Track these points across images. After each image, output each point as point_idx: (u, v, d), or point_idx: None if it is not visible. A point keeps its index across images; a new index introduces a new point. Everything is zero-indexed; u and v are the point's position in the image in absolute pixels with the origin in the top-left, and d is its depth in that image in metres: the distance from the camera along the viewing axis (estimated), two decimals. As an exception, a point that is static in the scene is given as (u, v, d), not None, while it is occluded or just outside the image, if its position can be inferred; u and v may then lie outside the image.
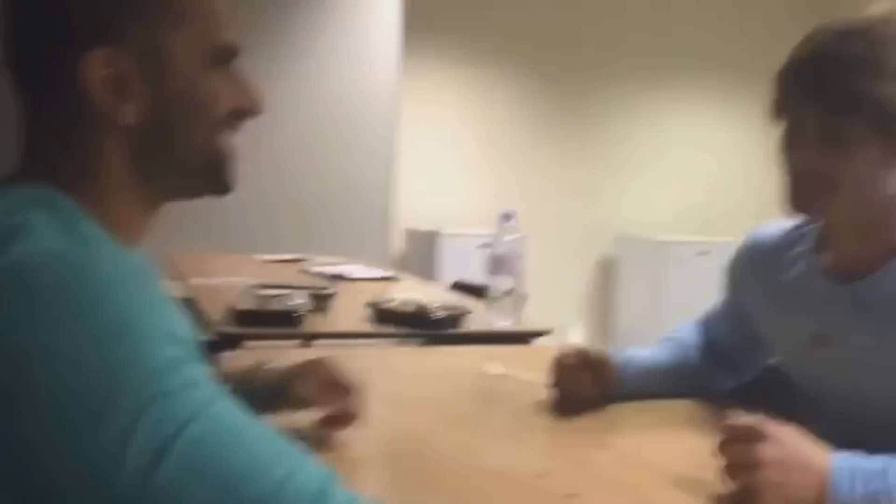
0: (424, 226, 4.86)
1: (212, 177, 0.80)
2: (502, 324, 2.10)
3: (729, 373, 1.45)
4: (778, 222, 1.34)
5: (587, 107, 5.41)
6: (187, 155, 0.78)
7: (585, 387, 1.29)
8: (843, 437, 1.11)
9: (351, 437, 1.15)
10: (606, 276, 5.51)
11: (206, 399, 0.62)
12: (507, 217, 2.17)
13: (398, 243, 4.88)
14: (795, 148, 1.11)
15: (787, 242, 1.29)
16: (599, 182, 5.46)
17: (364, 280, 2.80)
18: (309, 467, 0.64)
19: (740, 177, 5.71)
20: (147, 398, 0.59)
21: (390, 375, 1.62)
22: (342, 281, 2.70)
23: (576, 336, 5.22)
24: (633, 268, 5.24)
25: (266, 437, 0.64)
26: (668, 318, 4.94)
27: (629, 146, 5.50)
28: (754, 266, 1.34)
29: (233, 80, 0.79)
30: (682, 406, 1.43)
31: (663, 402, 1.46)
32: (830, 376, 1.18)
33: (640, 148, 5.52)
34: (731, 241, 5.56)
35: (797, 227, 1.29)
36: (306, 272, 2.92)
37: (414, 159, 4.92)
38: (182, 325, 0.68)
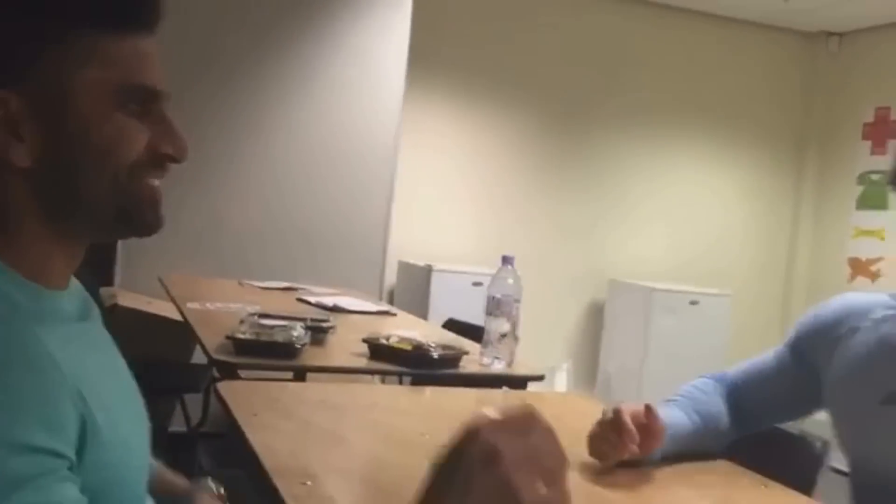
0: (417, 259, 4.89)
1: (127, 220, 0.78)
2: (497, 366, 2.11)
3: (741, 428, 1.45)
4: (868, 294, 1.38)
5: (583, 151, 5.48)
6: (95, 198, 0.75)
7: (624, 452, 1.25)
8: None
9: (347, 475, 1.16)
10: (595, 320, 5.54)
11: None
12: (507, 260, 2.20)
13: (390, 275, 4.90)
14: None
15: (875, 310, 1.31)
16: (592, 226, 5.51)
17: (361, 313, 2.81)
18: None
19: (736, 228, 5.78)
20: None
21: (385, 413, 1.63)
22: (339, 313, 2.72)
23: (562, 377, 5.23)
24: (622, 313, 5.27)
25: None
26: (653, 364, 4.97)
27: (624, 191, 5.56)
28: (836, 328, 1.35)
29: (153, 123, 0.77)
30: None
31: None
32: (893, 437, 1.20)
33: (635, 194, 5.58)
34: (721, 292, 5.58)
35: (890, 299, 1.31)
36: (304, 301, 2.94)
37: (410, 193, 4.96)
38: (54, 425, 0.63)
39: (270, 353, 1.93)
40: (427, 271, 4.70)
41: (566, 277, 5.47)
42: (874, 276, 5.20)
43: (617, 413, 1.26)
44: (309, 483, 1.09)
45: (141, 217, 0.78)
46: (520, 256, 2.31)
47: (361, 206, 4.29)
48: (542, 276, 5.21)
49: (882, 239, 5.13)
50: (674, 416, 1.36)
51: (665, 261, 5.62)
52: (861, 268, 5.28)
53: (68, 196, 0.74)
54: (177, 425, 3.42)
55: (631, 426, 1.24)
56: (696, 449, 1.39)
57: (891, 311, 1.28)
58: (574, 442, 1.46)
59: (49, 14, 0.71)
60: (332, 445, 1.34)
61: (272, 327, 2.02)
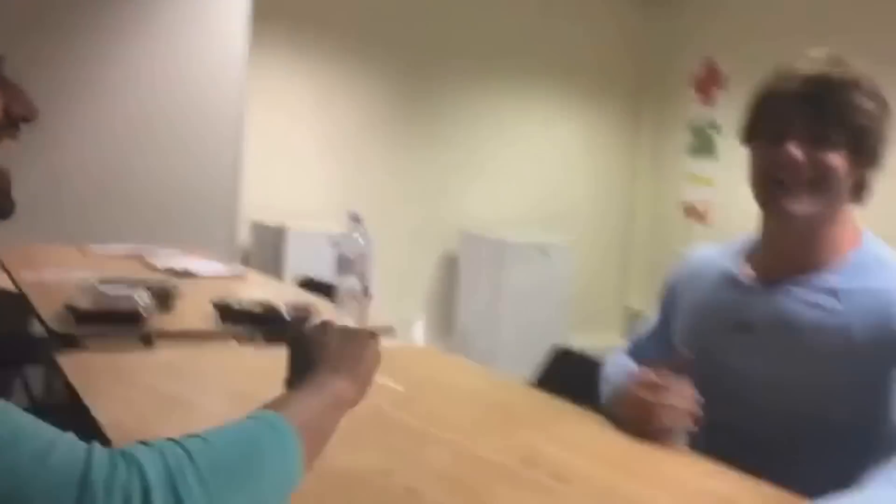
0: (271, 220, 4.82)
1: None
2: (350, 323, 2.15)
3: None
4: (713, 244, 1.51)
5: (432, 105, 5.53)
6: None
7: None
8: (747, 424, 1.28)
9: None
10: (450, 272, 5.67)
11: None
12: (355, 218, 2.22)
13: (243, 236, 4.82)
14: (784, 153, 1.24)
15: (718, 257, 1.45)
16: (442, 179, 5.60)
17: (212, 277, 2.76)
18: (70, 439, 0.66)
19: (579, 179, 6.03)
20: None
21: (237, 375, 1.64)
22: (189, 277, 2.66)
23: (418, 331, 5.34)
24: (475, 265, 5.42)
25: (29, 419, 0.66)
26: (507, 312, 5.16)
27: (472, 145, 5.67)
28: (685, 278, 1.49)
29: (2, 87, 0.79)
30: (512, 400, 1.55)
31: (493, 397, 1.58)
32: (744, 362, 1.33)
33: (482, 147, 5.71)
34: (569, 240, 5.83)
35: (730, 246, 1.45)
36: (152, 267, 2.85)
37: (261, 152, 4.87)
38: None
39: (113, 322, 1.88)
40: (281, 231, 4.65)
41: (419, 231, 5.56)
42: (706, 220, 5.58)
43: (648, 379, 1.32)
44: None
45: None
46: (372, 212, 2.34)
47: (209, 165, 4.17)
48: (395, 232, 5.27)
49: (711, 185, 5.51)
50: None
51: (515, 212, 5.81)
52: (694, 212, 5.65)
53: None
54: (20, 399, 3.26)
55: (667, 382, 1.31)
56: None
57: (735, 255, 1.42)
58: (421, 391, 1.53)
59: None
60: (182, 411, 1.34)
61: (114, 294, 1.97)
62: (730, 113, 5.18)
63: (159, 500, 0.63)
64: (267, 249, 4.76)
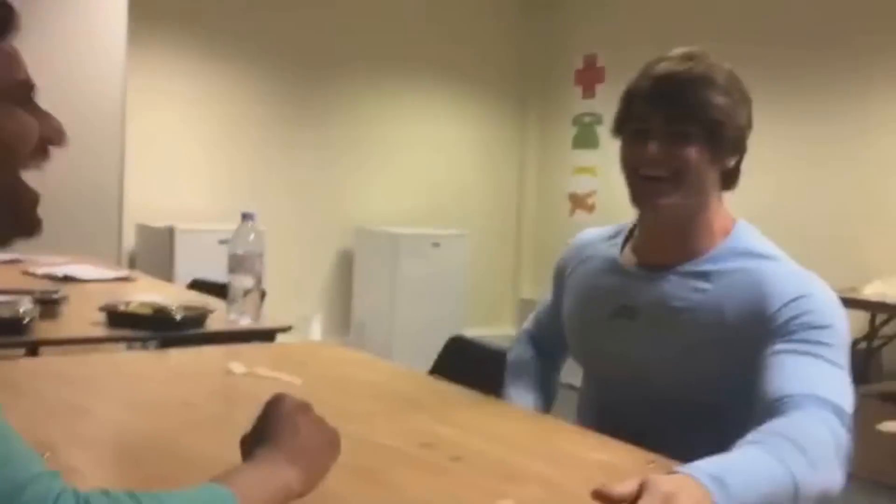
0: (158, 221, 4.70)
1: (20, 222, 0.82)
2: (244, 322, 2.14)
3: (559, 359, 1.69)
4: (599, 228, 1.59)
5: (323, 106, 5.51)
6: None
7: None
8: (626, 403, 1.35)
9: (90, 444, 1.16)
10: (345, 269, 5.66)
11: None
12: (247, 216, 2.21)
13: (129, 240, 4.68)
14: (645, 150, 1.31)
15: (601, 242, 1.53)
16: (336, 176, 5.59)
17: (97, 281, 2.69)
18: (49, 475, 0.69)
19: (470, 172, 6.13)
20: None
21: (130, 381, 1.62)
22: (72, 283, 2.58)
23: (316, 327, 5.32)
24: (370, 260, 5.44)
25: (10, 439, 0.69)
26: (402, 306, 5.21)
27: (364, 144, 5.68)
28: (571, 261, 1.56)
29: (36, 113, 0.84)
30: (409, 389, 1.59)
31: (390, 387, 1.62)
32: (627, 345, 1.39)
33: (375, 145, 5.73)
34: (460, 233, 5.92)
35: (613, 231, 1.53)
36: (32, 274, 2.75)
37: (144, 153, 4.74)
38: None
39: (-5, 332, 1.81)
40: (169, 232, 4.54)
41: (312, 230, 5.53)
42: (590, 209, 5.79)
43: None
44: (47, 455, 1.08)
45: (31, 215, 0.83)
46: (264, 212, 2.33)
47: (90, 168, 4.03)
48: (289, 231, 5.23)
49: (594, 175, 5.72)
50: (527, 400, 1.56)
51: (408, 207, 5.86)
52: (579, 202, 5.85)
53: None
54: None
55: None
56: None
57: (617, 241, 1.49)
58: (319, 385, 1.56)
59: None
60: (73, 417, 1.32)
61: (-6, 304, 1.90)
62: (610, 105, 5.33)
63: None
64: (154, 252, 4.64)
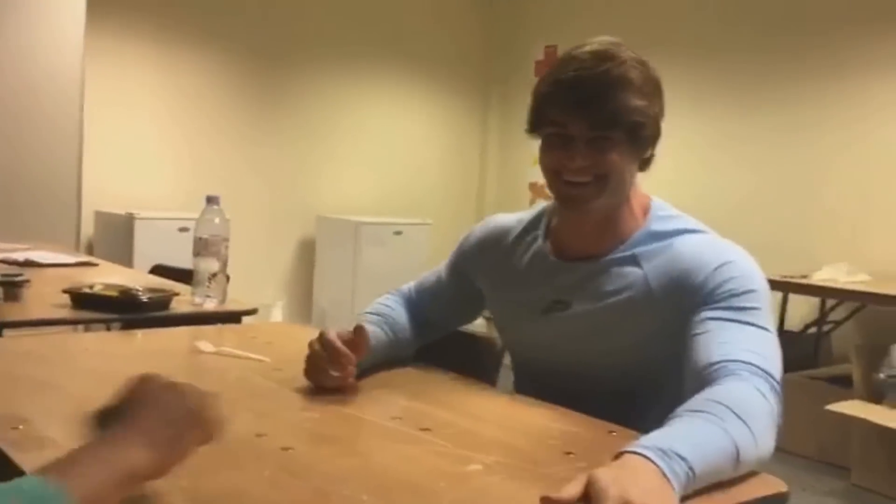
0: (117, 208, 4.65)
1: None
2: (210, 305, 2.15)
3: (424, 335, 1.65)
4: (513, 214, 1.58)
5: (284, 94, 5.49)
6: None
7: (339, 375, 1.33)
8: (562, 394, 1.35)
9: (62, 417, 1.17)
10: (307, 257, 5.66)
11: None
12: (212, 200, 2.22)
13: (87, 227, 4.63)
14: (567, 155, 1.32)
15: (521, 231, 1.53)
16: (297, 164, 5.58)
17: (58, 266, 2.67)
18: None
19: (432, 161, 6.16)
20: None
21: (99, 358, 1.63)
22: (33, 267, 2.56)
23: (277, 314, 5.31)
24: (332, 248, 5.45)
25: None
26: (363, 294, 5.22)
27: (326, 131, 5.68)
28: (489, 248, 1.55)
29: None
30: (376, 368, 1.62)
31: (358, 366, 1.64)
32: (561, 338, 1.41)
33: (338, 132, 5.72)
34: (422, 221, 5.95)
35: (531, 220, 1.53)
36: (-11, 259, 2.72)
37: (102, 140, 4.68)
38: None
39: (-41, 313, 1.80)
40: (129, 219, 4.50)
41: (274, 216, 5.52)
42: (549, 198, 5.84)
43: (324, 338, 1.35)
44: (21, 427, 1.10)
45: None
46: (226, 197, 2.33)
47: (48, 156, 3.98)
48: (250, 217, 5.21)
49: (555, 165, 5.77)
50: (371, 332, 1.47)
51: (370, 195, 5.87)
52: (539, 191, 5.91)
53: None
54: None
55: (341, 347, 1.34)
56: (391, 358, 1.55)
57: (538, 231, 1.51)
58: (287, 363, 1.58)
59: None
60: (44, 393, 1.33)
61: (-43, 285, 1.89)
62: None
63: None
64: (113, 239, 4.59)
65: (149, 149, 5.01)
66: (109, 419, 0.84)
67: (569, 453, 1.13)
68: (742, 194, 4.79)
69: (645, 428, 1.04)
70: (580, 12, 5.69)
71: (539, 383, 1.48)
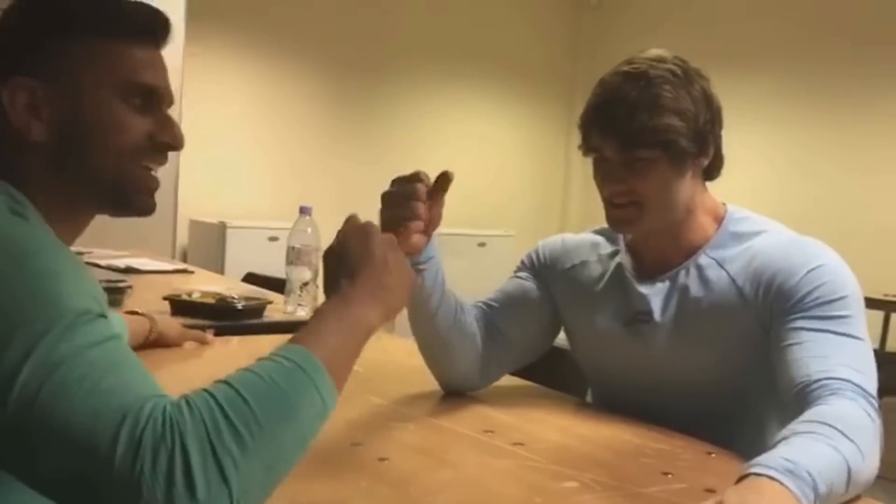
0: (210, 217, 4.80)
1: (121, 198, 0.93)
2: (301, 313, 2.20)
3: (506, 358, 1.54)
4: (582, 234, 1.56)
5: (377, 105, 5.58)
6: (97, 174, 0.91)
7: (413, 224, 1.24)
8: (641, 412, 1.34)
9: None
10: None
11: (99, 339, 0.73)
12: (304, 211, 2.27)
13: (182, 235, 4.79)
14: (605, 178, 1.32)
15: (591, 245, 1.51)
16: (381, 177, 5.63)
17: (157, 273, 2.77)
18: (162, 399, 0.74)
19: (516, 174, 6.16)
20: (58, 328, 0.70)
21: (196, 363, 1.68)
22: (134, 274, 2.67)
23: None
24: (416, 258, 5.49)
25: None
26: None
27: (411, 143, 5.74)
28: (562, 266, 1.52)
29: (155, 117, 0.94)
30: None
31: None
32: (644, 350, 1.38)
33: (422, 145, 5.78)
34: (505, 233, 5.94)
35: (605, 235, 1.50)
36: (94, 265, 2.84)
37: (198, 150, 4.84)
38: (101, 294, 0.81)
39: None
40: (221, 228, 4.64)
41: (361, 227, 5.60)
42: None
43: (417, 177, 1.28)
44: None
45: (134, 196, 0.94)
46: (317, 207, 2.38)
47: (146, 164, 4.13)
48: (336, 227, 5.28)
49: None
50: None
51: (455, 206, 5.88)
52: (625, 204, 5.84)
53: (73, 169, 0.89)
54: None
55: (422, 197, 1.26)
56: (452, 321, 1.43)
57: (613, 247, 1.48)
58: (378, 372, 1.60)
59: (77, 25, 0.90)
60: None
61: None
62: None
63: (200, 479, 0.68)
64: (206, 247, 4.74)
65: (241, 160, 5.16)
66: (336, 267, 0.93)
67: (666, 473, 1.11)
68: (845, 206, 4.62)
69: (738, 448, 1.01)
70: (666, 21, 5.61)
71: (618, 401, 1.45)
